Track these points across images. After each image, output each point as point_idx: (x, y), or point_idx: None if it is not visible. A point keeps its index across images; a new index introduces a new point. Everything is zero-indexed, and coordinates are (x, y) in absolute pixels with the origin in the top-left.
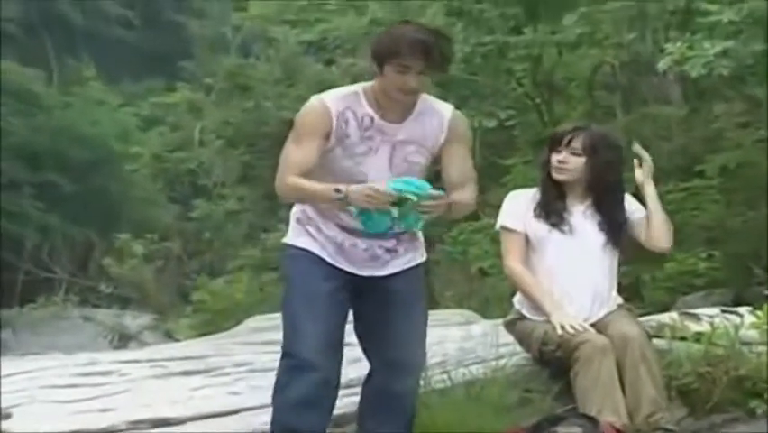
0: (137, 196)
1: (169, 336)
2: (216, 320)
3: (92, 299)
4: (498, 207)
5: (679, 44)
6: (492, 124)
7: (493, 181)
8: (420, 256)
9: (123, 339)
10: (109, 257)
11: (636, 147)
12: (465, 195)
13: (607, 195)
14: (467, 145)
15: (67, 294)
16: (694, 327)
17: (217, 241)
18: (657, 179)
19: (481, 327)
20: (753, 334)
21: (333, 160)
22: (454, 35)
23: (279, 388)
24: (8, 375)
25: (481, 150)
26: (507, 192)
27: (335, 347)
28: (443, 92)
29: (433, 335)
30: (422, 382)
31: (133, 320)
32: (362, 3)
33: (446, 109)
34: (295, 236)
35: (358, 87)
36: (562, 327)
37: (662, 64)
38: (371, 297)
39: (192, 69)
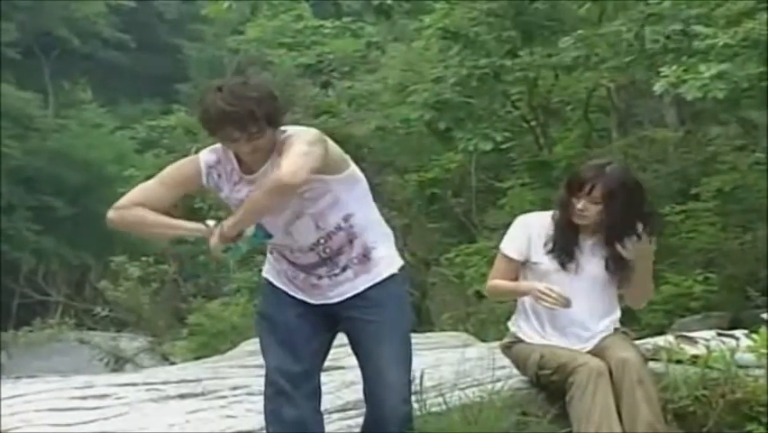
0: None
1: (165, 359)
2: (212, 343)
3: (88, 322)
4: (495, 229)
5: (675, 67)
6: (488, 146)
7: (489, 204)
8: (378, 275)
9: (119, 362)
10: (105, 280)
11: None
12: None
13: (618, 233)
14: (294, 142)
15: (62, 317)
16: (690, 350)
17: (213, 263)
18: (653, 201)
19: (478, 349)
20: (749, 357)
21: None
22: (449, 58)
23: (271, 419)
24: (4, 398)
25: (477, 172)
26: (503, 214)
27: (304, 374)
28: (439, 115)
29: (429, 357)
30: (417, 406)
31: (129, 343)
32: (358, 26)
33: (283, 135)
34: (265, 266)
35: None
36: (543, 292)
37: (657, 87)
38: (341, 324)
39: (188, 92)
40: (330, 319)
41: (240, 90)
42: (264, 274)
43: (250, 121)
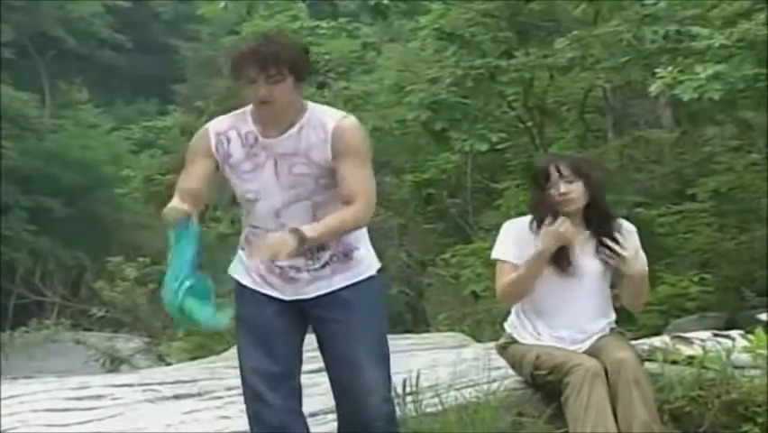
0: (129, 219)
1: (161, 360)
2: (208, 344)
3: (84, 323)
4: (490, 230)
5: (670, 68)
6: (484, 147)
7: (485, 205)
8: (356, 276)
9: (114, 363)
10: (101, 280)
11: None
12: (346, 212)
13: (601, 219)
14: (358, 155)
15: (58, 318)
16: (686, 350)
17: (209, 264)
18: (649, 202)
19: (474, 350)
20: (745, 358)
21: (230, 181)
22: (445, 59)
23: (253, 423)
24: (0, 399)
25: (473, 173)
26: (499, 215)
27: (283, 374)
28: (435, 115)
29: (425, 358)
30: (413, 406)
31: (125, 344)
32: (354, 26)
33: (332, 120)
34: (232, 265)
35: (249, 107)
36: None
37: (653, 88)
38: (313, 323)
39: (184, 93)
40: (303, 318)
41: (272, 35)
42: (233, 273)
43: (271, 61)
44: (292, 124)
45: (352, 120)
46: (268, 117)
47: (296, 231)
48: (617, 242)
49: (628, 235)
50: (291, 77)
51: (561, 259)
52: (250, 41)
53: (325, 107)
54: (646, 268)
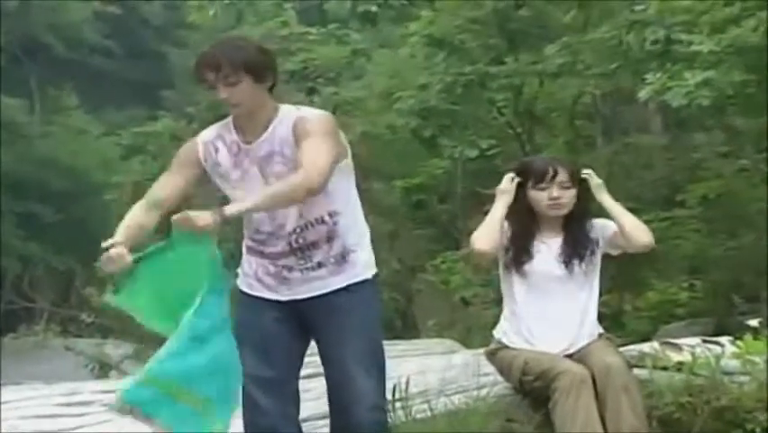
0: (118, 225)
1: None
2: None
3: (73, 329)
4: None
5: (659, 74)
6: (474, 153)
7: (475, 211)
8: (351, 277)
9: (104, 369)
10: (90, 287)
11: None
12: (283, 182)
13: (579, 223)
14: (316, 134)
15: (48, 324)
16: (675, 356)
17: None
18: (639, 208)
19: (463, 356)
20: (734, 364)
21: (221, 190)
22: (435, 65)
23: (246, 428)
24: None
25: (463, 179)
26: None
27: (277, 379)
28: (425, 122)
29: (414, 364)
30: (402, 412)
31: (115, 350)
32: (344, 32)
33: (299, 113)
34: (239, 276)
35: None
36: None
37: (642, 94)
38: (309, 327)
39: (174, 99)
40: (305, 328)
41: (228, 39)
42: (237, 283)
43: (226, 64)
44: (266, 127)
45: (321, 112)
46: (243, 122)
47: (219, 210)
48: (593, 246)
49: (608, 227)
50: (248, 77)
51: (540, 258)
52: (206, 48)
53: (304, 107)
54: (645, 228)
